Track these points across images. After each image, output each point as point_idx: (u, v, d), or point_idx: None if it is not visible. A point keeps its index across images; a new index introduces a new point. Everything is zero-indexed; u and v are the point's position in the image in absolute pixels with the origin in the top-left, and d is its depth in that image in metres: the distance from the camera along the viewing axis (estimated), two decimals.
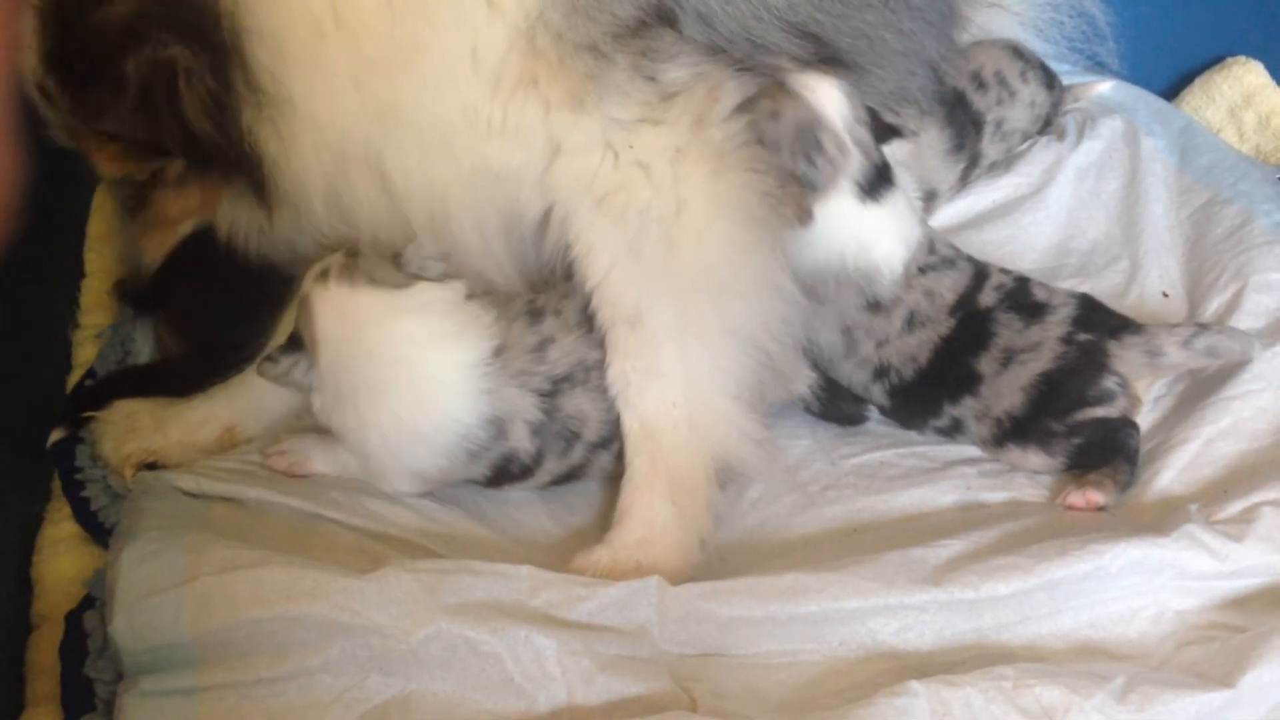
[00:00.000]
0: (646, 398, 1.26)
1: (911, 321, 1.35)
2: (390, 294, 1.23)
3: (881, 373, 1.37)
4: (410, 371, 1.23)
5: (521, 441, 1.26)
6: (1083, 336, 1.31)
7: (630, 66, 1.22)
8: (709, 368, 1.26)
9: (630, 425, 1.27)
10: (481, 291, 1.30)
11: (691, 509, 1.26)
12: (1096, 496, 1.27)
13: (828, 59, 1.37)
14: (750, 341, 1.27)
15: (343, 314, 1.22)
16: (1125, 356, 1.30)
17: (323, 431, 1.30)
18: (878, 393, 1.39)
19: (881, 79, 1.43)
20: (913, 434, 1.40)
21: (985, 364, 1.33)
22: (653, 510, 1.25)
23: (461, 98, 1.21)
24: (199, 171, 1.29)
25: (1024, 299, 1.35)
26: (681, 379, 1.25)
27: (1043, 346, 1.31)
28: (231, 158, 1.24)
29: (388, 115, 1.21)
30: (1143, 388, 1.34)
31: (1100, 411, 1.30)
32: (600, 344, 1.27)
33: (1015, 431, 1.32)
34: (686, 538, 1.25)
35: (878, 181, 1.34)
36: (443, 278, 1.26)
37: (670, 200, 1.24)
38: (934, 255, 1.37)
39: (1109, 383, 1.30)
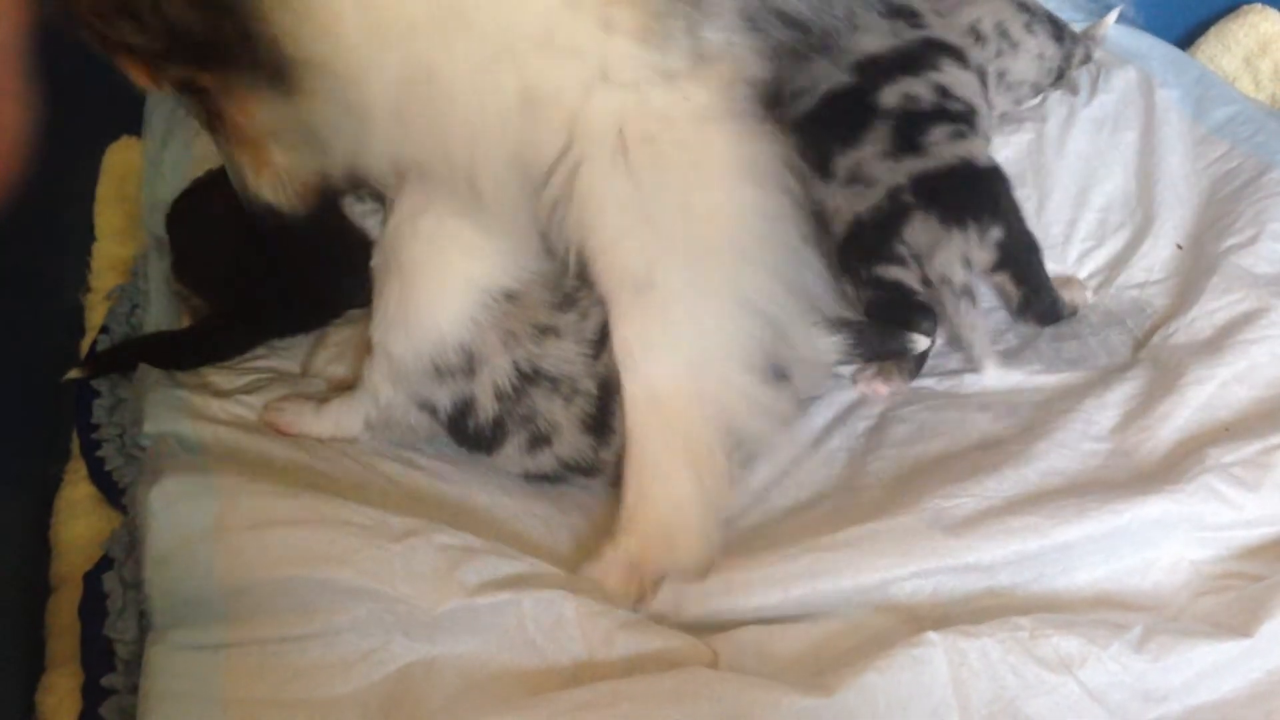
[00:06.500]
0: (653, 367, 1.20)
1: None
2: None
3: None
4: (432, 259, 1.23)
5: (484, 395, 1.23)
6: (906, 198, 1.30)
7: (685, 15, 1.16)
8: (720, 336, 1.21)
9: (635, 396, 1.21)
10: None
11: (713, 484, 1.22)
12: (882, 387, 1.37)
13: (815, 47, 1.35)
14: (763, 311, 1.23)
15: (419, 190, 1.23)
16: (917, 230, 1.30)
17: (321, 397, 1.31)
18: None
19: None
20: (926, 389, 1.39)
21: (839, 163, 1.31)
22: (672, 488, 1.20)
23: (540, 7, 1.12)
24: (206, 67, 1.16)
25: (913, 134, 1.31)
26: (691, 347, 1.21)
27: (874, 188, 1.29)
28: (230, 46, 1.11)
29: (449, 18, 1.10)
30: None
31: (895, 272, 1.30)
32: (600, 382, 1.23)
33: (839, 254, 1.34)
34: (709, 515, 1.21)
35: None
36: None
37: (691, 161, 1.20)
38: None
39: (898, 247, 1.30)
